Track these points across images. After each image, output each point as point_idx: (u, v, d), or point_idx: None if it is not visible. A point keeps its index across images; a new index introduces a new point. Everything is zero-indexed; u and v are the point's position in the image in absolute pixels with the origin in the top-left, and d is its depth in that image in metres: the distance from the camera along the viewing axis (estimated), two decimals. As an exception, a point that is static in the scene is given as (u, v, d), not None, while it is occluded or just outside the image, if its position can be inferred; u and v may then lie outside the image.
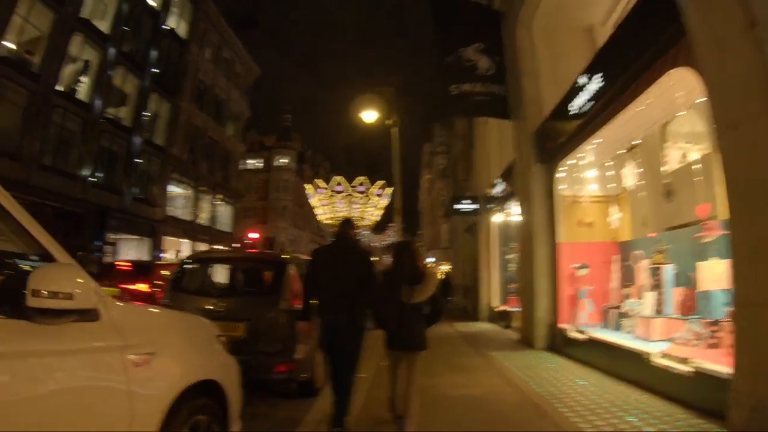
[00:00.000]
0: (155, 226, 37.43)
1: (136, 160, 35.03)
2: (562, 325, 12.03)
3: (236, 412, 4.35)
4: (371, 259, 6.44)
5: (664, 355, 7.56)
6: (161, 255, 35.79)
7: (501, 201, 19.20)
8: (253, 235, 50.02)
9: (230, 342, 6.72)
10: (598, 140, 10.74)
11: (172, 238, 39.79)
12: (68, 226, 28.54)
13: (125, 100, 34.31)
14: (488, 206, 21.84)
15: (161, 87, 37.75)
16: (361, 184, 44.35)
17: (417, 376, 5.87)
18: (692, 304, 8.43)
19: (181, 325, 4.23)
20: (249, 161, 77.42)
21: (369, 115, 21.47)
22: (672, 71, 7.35)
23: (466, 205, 23.39)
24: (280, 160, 79.66)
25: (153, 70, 36.39)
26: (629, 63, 8.40)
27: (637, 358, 8.19)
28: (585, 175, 12.48)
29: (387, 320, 5.83)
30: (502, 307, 19.52)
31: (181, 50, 40.61)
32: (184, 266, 9.03)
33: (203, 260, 9.85)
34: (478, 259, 23.29)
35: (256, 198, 77.10)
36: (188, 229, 42.04)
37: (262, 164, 79.91)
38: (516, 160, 14.98)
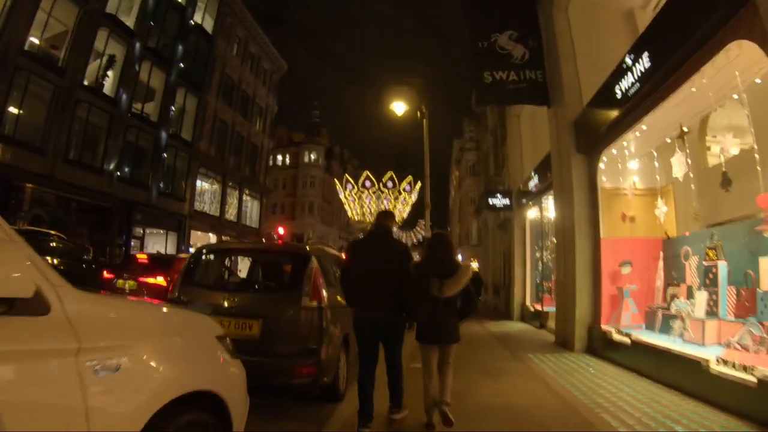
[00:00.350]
0: (182, 221, 37.24)
1: (162, 154, 34.78)
2: (603, 327, 11.23)
3: (241, 429, 3.64)
4: (409, 253, 6.25)
5: (722, 362, 6.77)
6: (189, 250, 35.23)
7: (535, 196, 18.47)
8: (280, 230, 49.18)
9: (244, 342, 6.18)
10: (643, 127, 9.98)
11: (200, 233, 39.53)
12: (94, 220, 28.66)
13: (152, 95, 34.10)
14: (522, 201, 21.11)
15: (188, 82, 37.45)
16: (390, 180, 43.68)
17: (451, 367, 5.90)
18: (751, 306, 7.63)
19: (168, 323, 3.41)
20: (277, 157, 77.70)
21: (398, 107, 20.77)
22: (732, 44, 6.63)
23: (499, 200, 22.62)
24: (309, 156, 79.41)
25: (179, 65, 36.19)
26: (683, 38, 7.65)
27: (691, 364, 7.41)
28: (628, 166, 11.72)
29: (419, 313, 5.78)
30: (536, 306, 18.76)
31: (208, 45, 40.38)
32: (197, 258, 8.15)
33: (218, 251, 9.11)
34: (512, 257, 22.51)
35: (285, 194, 77.38)
36: (215, 224, 41.69)
37: (290, 160, 79.86)
38: (553, 151, 14.24)
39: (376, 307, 5.83)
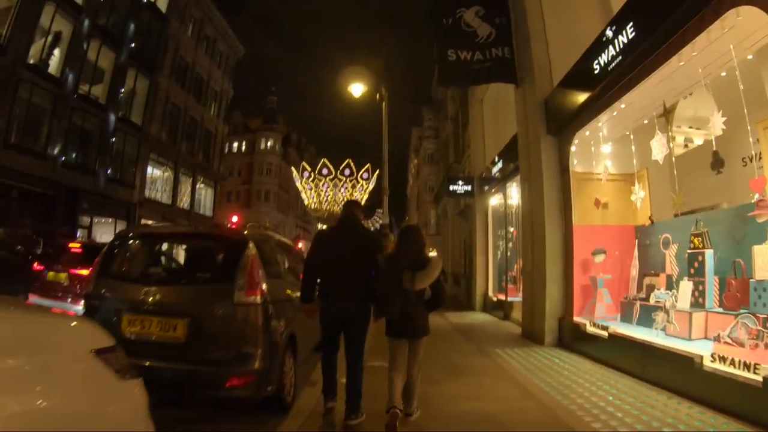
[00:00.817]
0: (132, 209, 35.85)
1: (111, 139, 33.33)
2: (575, 319, 10.60)
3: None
4: (379, 244, 6.18)
5: (718, 359, 6.16)
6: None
7: (499, 182, 17.78)
8: (233, 219, 48.11)
9: (168, 345, 5.43)
10: (622, 106, 9.27)
11: (151, 222, 37.65)
12: (37, 208, 26.94)
13: (100, 76, 32.62)
14: (484, 188, 20.43)
15: (139, 63, 36.01)
16: (347, 167, 42.95)
17: (419, 364, 5.84)
18: (743, 296, 7.06)
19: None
20: (233, 144, 76.66)
21: (356, 89, 19.91)
22: (730, 12, 5.99)
23: (460, 187, 21.89)
24: (265, 143, 77.88)
25: (130, 44, 34.68)
26: (674, 5, 6.91)
27: (682, 360, 6.77)
28: (602, 149, 11.11)
29: (390, 306, 5.59)
30: (499, 296, 18.11)
31: (161, 25, 38.84)
32: (117, 245, 6.90)
33: (140, 236, 7.52)
34: (473, 245, 21.86)
35: (240, 182, 76.01)
36: (167, 212, 40.15)
37: (246, 147, 78.42)
38: (520, 134, 13.54)
39: (347, 300, 5.71)
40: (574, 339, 10.47)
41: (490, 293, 19.77)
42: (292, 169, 48.31)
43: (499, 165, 17.27)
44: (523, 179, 13.32)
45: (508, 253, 17.86)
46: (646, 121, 9.73)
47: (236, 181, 75.16)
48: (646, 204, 10.83)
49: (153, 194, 39.41)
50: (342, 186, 42.73)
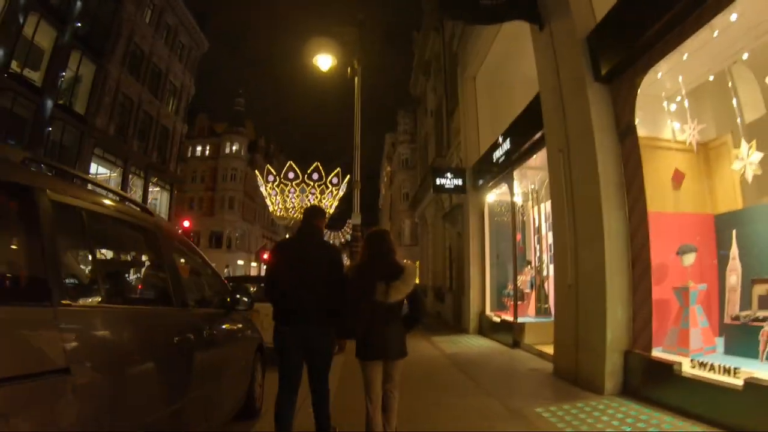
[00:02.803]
0: (70, 210, 31.31)
1: (47, 128, 29.11)
2: (658, 354, 6.95)
3: None
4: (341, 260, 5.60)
5: None
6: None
7: (503, 170, 14.12)
8: (185, 224, 44.00)
9: None
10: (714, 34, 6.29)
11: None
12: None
13: (38, 56, 28.71)
14: (479, 182, 16.68)
15: (85, 45, 31.96)
16: (315, 171, 39.40)
17: (397, 388, 5.11)
18: None
19: None
20: (197, 148, 72.85)
21: (324, 61, 16.43)
22: None
23: (449, 181, 17.91)
24: (230, 147, 73.44)
25: (76, 23, 30.65)
26: None
27: None
28: (675, 101, 7.95)
29: (360, 324, 5.02)
30: (503, 316, 14.29)
31: (114, 6, 34.68)
32: None
33: None
34: (463, 253, 18.01)
35: (203, 188, 71.49)
36: (113, 216, 35.64)
37: (210, 151, 73.87)
38: (546, 90, 9.92)
39: (308, 323, 5.16)
40: (653, 384, 6.79)
41: (488, 311, 15.98)
42: (256, 173, 45.21)
43: (506, 146, 13.51)
44: (552, 151, 9.58)
45: (517, 262, 14.18)
46: (745, 56, 6.82)
47: (199, 187, 71.05)
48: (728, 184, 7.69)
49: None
50: (310, 192, 39.19)
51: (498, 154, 14.04)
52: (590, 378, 7.69)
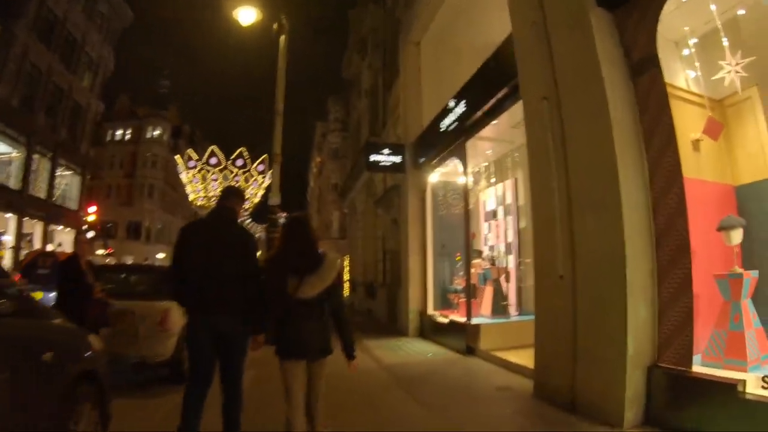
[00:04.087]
0: (-44, 192, 27.81)
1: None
2: (701, 370, 5.10)
3: None
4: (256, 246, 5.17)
5: None
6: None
7: (453, 141, 11.94)
8: (91, 209, 40.43)
9: None
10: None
11: (-7, 212, 30.39)
12: None
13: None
14: (419, 160, 14.54)
15: (-11, 4, 28.27)
16: (239, 157, 36.55)
17: (321, 394, 4.60)
18: None
19: None
20: (116, 132, 68.10)
21: (244, 15, 14.00)
22: None
23: (385, 158, 15.57)
24: (152, 132, 68.82)
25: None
26: None
27: None
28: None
29: (276, 320, 4.59)
30: (451, 316, 12.02)
31: (25, -39, 30.91)
32: None
33: None
34: (401, 242, 15.72)
35: (121, 174, 66.64)
36: (13, 201, 32.10)
37: (131, 135, 68.72)
38: (519, 27, 8.01)
39: (220, 312, 4.68)
40: (698, 411, 4.86)
41: (431, 310, 13.75)
42: (177, 157, 41.50)
43: (459, 110, 11.30)
44: (531, 102, 7.50)
45: (472, 252, 11.96)
46: None
47: (117, 174, 66.38)
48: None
49: (-6, 175, 31.47)
50: (233, 179, 36.34)
51: (447, 121, 11.86)
52: (599, 403, 5.58)
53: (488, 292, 11.14)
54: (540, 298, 7.29)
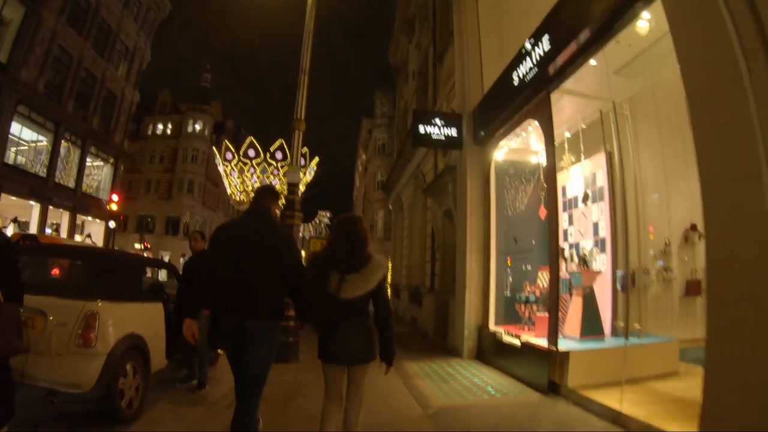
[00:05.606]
0: (-19, 177, 27.04)
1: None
2: None
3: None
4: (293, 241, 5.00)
5: None
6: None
7: (522, 102, 9.05)
8: (114, 197, 38.07)
9: None
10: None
11: (13, 198, 28.80)
12: None
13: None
14: (480, 133, 11.49)
15: (13, -16, 27.10)
16: (279, 150, 34.03)
17: (361, 401, 4.49)
18: None
19: None
20: (157, 126, 66.76)
21: None
22: None
23: (439, 130, 12.23)
24: (193, 126, 66.84)
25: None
26: None
27: None
28: None
29: (316, 320, 4.54)
30: (519, 335, 8.80)
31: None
32: None
33: None
34: (457, 238, 12.38)
35: (162, 169, 65.14)
36: (39, 188, 30.50)
37: (172, 130, 67.29)
38: None
39: (246, 315, 4.40)
40: None
41: (492, 326, 10.55)
42: (213, 149, 39.14)
43: (540, 50, 8.22)
44: None
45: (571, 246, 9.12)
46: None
47: (157, 168, 64.91)
48: None
49: (19, 161, 29.83)
50: (272, 173, 33.85)
51: (523, 70, 8.83)
52: None
53: (576, 306, 8.07)
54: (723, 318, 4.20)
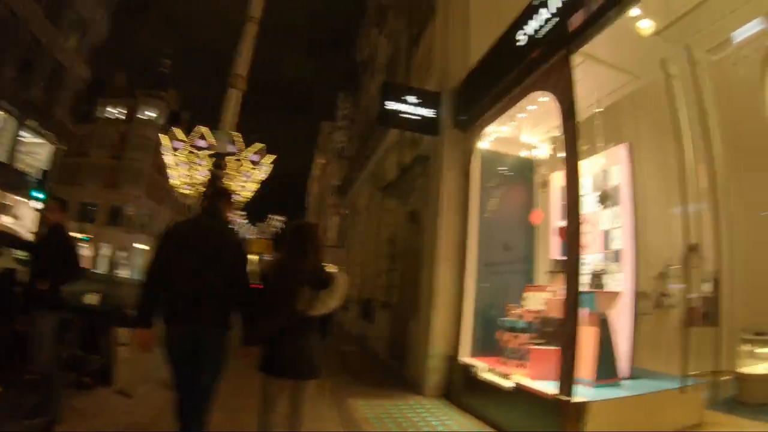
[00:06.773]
0: None
1: None
2: None
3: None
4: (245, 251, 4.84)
5: None
6: None
7: (528, 70, 7.12)
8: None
9: None
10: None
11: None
12: None
13: None
14: (462, 117, 9.53)
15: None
16: (232, 143, 32.00)
17: (304, 416, 4.36)
18: None
19: None
20: (107, 109, 63.38)
21: None
22: None
23: (412, 109, 10.10)
24: (146, 112, 64.11)
25: None
26: None
27: None
28: None
29: (271, 334, 4.29)
30: (508, 374, 6.59)
31: None
32: None
33: None
34: (425, 243, 10.23)
35: (108, 155, 61.88)
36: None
37: (123, 114, 64.11)
38: None
39: (201, 322, 4.26)
40: None
41: (464, 357, 8.26)
42: (160, 136, 36.82)
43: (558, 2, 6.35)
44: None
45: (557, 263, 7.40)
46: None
47: (104, 154, 61.69)
48: None
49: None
50: (222, 165, 31.56)
51: (534, 25, 6.85)
52: None
53: (589, 337, 5.94)
54: None
